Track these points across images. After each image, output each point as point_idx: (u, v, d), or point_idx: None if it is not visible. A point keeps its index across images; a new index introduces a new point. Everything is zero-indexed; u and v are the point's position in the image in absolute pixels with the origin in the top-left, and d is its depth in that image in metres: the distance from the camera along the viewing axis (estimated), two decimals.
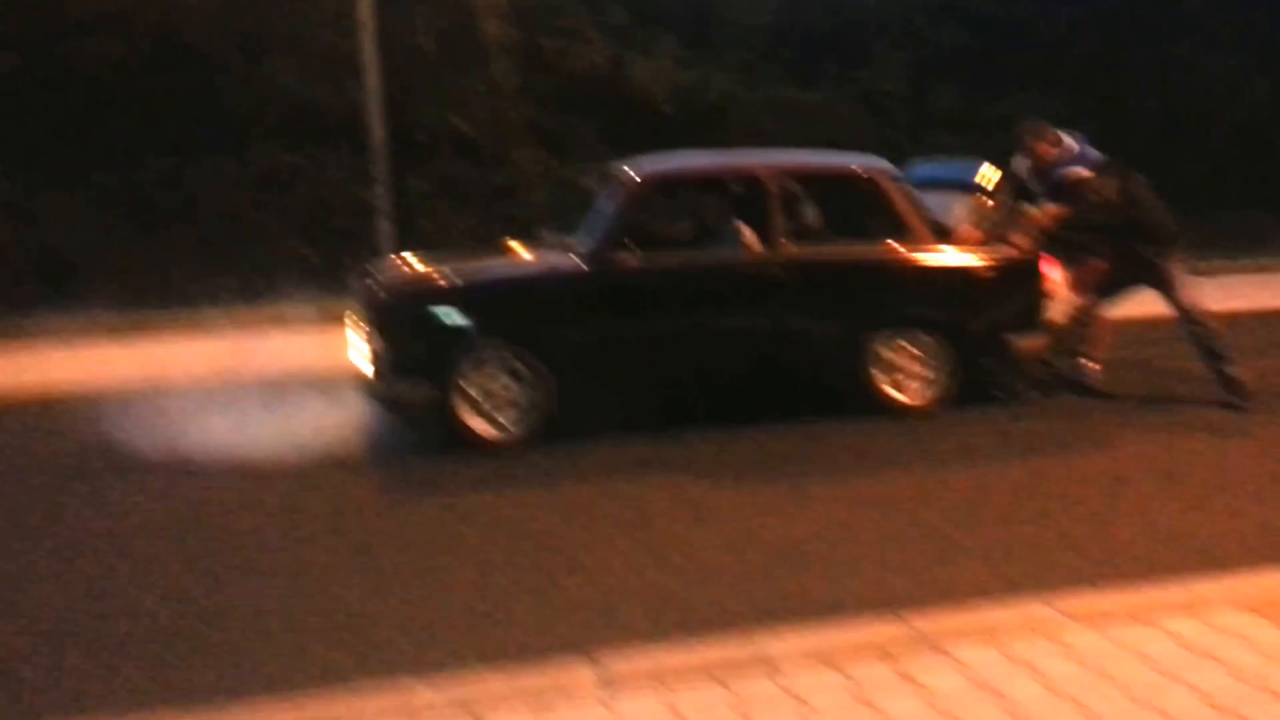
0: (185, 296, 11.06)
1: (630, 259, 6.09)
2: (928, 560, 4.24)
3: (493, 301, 6.06)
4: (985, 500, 4.96)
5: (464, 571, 4.26)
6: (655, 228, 6.60)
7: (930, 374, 6.46)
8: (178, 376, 7.64)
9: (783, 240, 6.32)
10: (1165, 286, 6.59)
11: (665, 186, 6.63)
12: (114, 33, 13.12)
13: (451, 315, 5.92)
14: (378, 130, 11.99)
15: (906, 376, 6.44)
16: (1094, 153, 6.78)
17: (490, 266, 6.44)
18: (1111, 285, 6.82)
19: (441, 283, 6.12)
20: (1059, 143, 6.71)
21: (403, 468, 5.77)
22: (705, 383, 6.36)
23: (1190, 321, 6.60)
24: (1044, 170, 6.71)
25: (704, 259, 6.43)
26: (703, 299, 6.26)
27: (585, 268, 6.07)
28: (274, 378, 7.33)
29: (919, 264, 6.46)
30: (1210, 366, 6.59)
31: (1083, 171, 6.58)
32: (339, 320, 7.13)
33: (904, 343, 6.42)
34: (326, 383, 6.96)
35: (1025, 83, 14.24)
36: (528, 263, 6.48)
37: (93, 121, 12.84)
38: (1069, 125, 7.07)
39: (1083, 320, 6.86)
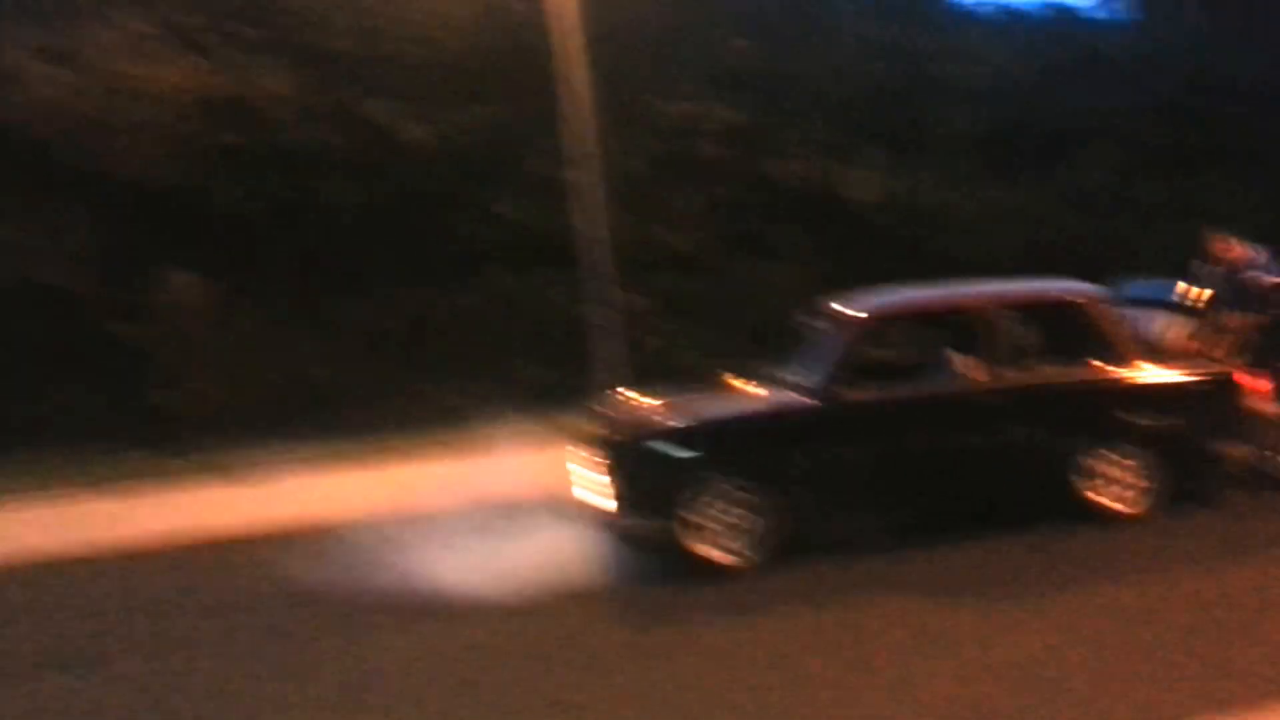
0: (419, 419, 11.71)
1: (857, 393, 6.53)
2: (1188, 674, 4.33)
3: (727, 440, 6.56)
4: (1227, 606, 5.10)
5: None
6: (878, 361, 6.98)
7: (1141, 483, 6.72)
8: (418, 502, 8.13)
9: (998, 368, 6.63)
10: None
11: (888, 321, 7.12)
12: (353, 177, 14.14)
13: (686, 453, 6.45)
14: (600, 251, 12.42)
15: (1120, 486, 6.71)
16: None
17: (720, 405, 6.95)
18: None
19: (675, 423, 6.66)
20: (1237, 248, 6.83)
21: (647, 599, 6.17)
22: (928, 502, 6.72)
23: None
24: (1232, 275, 6.88)
25: (925, 389, 6.86)
26: (925, 427, 6.69)
27: (814, 403, 6.52)
28: (503, 502, 7.78)
29: (1124, 382, 6.81)
30: None
31: (1272, 278, 6.68)
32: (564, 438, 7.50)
33: (1115, 455, 6.71)
34: (556, 506, 7.32)
35: (1227, 173, 14.06)
36: (756, 400, 6.94)
37: (335, 257, 13.80)
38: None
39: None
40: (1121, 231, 14.34)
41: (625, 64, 14.56)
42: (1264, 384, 6.81)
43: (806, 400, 6.54)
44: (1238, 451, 6.82)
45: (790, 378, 6.81)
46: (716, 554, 6.38)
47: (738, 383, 7.23)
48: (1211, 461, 6.82)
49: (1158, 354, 6.89)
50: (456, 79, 14.93)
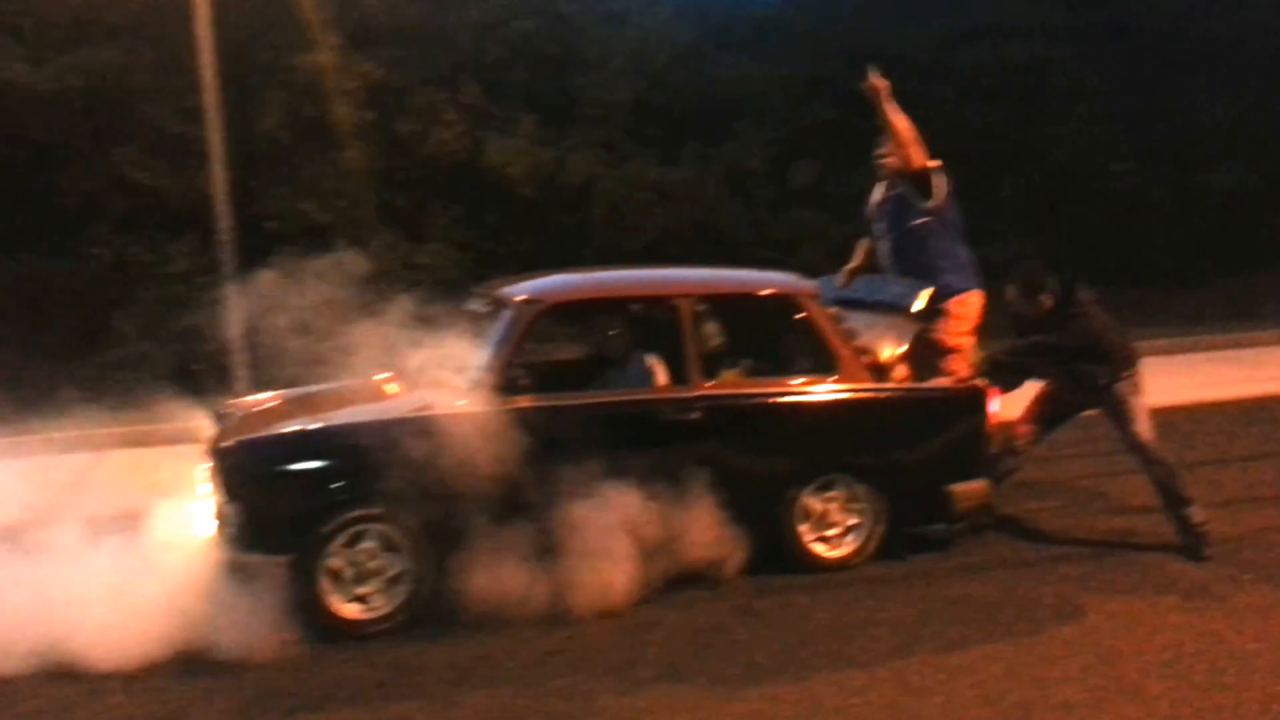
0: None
1: (517, 398, 5.08)
2: None
3: (348, 454, 4.94)
4: (953, 693, 4.14)
5: None
6: (548, 359, 5.55)
7: (856, 521, 5.56)
8: None
9: (694, 375, 5.39)
10: (1117, 415, 5.73)
11: (561, 312, 5.57)
12: None
13: (301, 467, 4.93)
14: (225, 218, 10.56)
15: (833, 526, 5.54)
16: None
17: (356, 410, 5.29)
18: (1057, 414, 6.00)
19: (289, 430, 5.07)
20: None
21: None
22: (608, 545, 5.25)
23: (1147, 460, 5.73)
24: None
25: (603, 396, 5.43)
26: (599, 444, 5.16)
27: (463, 408, 5.00)
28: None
29: (847, 399, 5.56)
30: (1171, 512, 5.72)
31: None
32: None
33: (832, 489, 5.54)
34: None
35: None
36: (393, 402, 5.35)
37: None
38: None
39: (1020, 452, 6.03)
40: (786, 218, 13.70)
41: (256, 10, 12.71)
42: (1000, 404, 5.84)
43: (454, 404, 5.02)
44: (976, 487, 5.68)
45: (444, 375, 5.21)
46: (346, 608, 4.90)
47: (382, 379, 5.56)
48: (945, 497, 5.63)
49: (879, 365, 5.72)
50: (70, 15, 12.71)
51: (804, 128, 14.52)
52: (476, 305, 5.77)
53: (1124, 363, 5.72)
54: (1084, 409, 5.94)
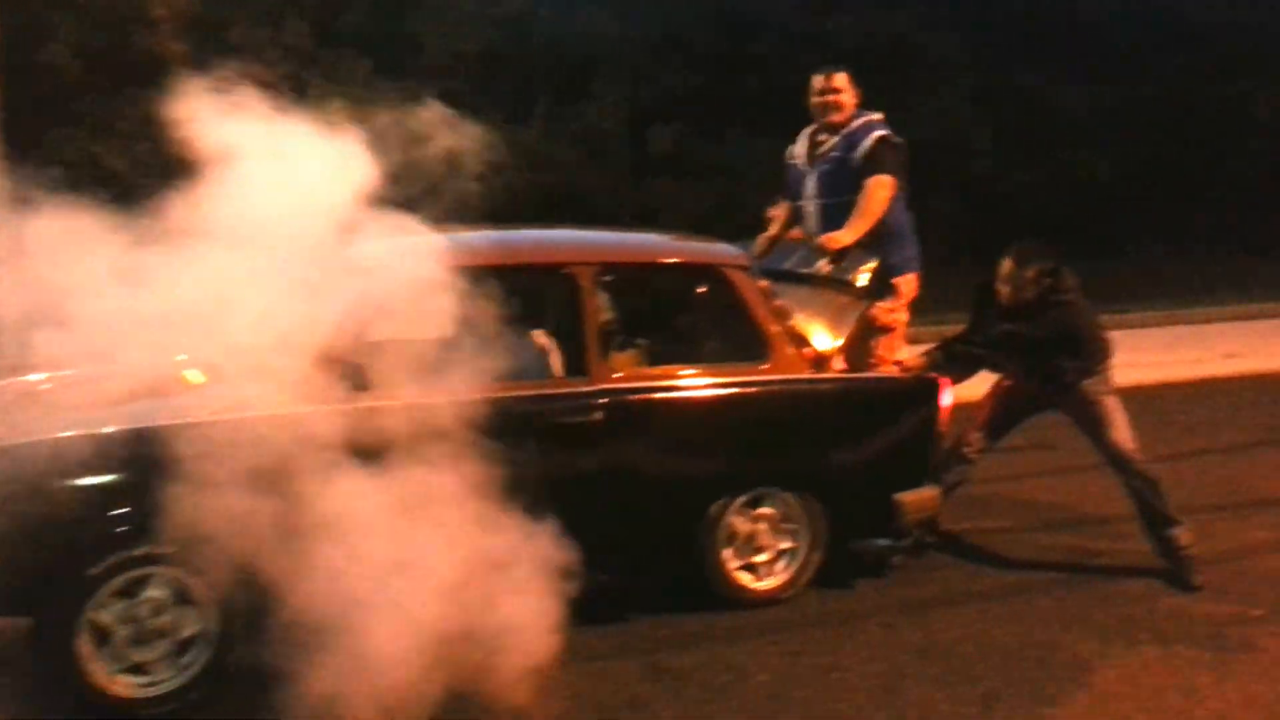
0: None
1: (370, 396, 3.63)
2: None
3: (136, 472, 3.40)
4: None
5: None
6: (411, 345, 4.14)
7: (789, 544, 4.33)
8: None
9: (599, 362, 4.04)
10: (1089, 419, 4.70)
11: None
12: None
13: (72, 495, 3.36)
14: None
15: (762, 550, 4.30)
16: None
17: (138, 408, 3.66)
18: (1013, 415, 4.90)
19: (50, 439, 3.43)
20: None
21: None
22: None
23: (1127, 473, 4.69)
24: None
25: (486, 390, 3.99)
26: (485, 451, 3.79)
27: (292, 410, 3.52)
28: None
29: (783, 392, 4.31)
30: (1152, 533, 4.70)
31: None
32: None
33: (763, 504, 4.29)
34: None
35: (755, 127, 12.60)
36: (199, 399, 3.71)
37: None
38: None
39: (969, 459, 4.89)
40: (645, 185, 12.48)
41: None
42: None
43: (277, 402, 3.52)
44: (926, 494, 4.51)
45: (265, 362, 3.70)
46: (116, 682, 3.42)
47: (180, 364, 4.00)
48: (893, 508, 4.42)
49: (818, 352, 4.45)
50: None
51: (663, 92, 13.32)
52: (314, 274, 4.27)
53: (1097, 357, 4.69)
54: (1044, 409, 4.89)
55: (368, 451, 3.46)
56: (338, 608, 3.38)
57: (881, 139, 5.00)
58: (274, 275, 3.72)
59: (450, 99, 14.43)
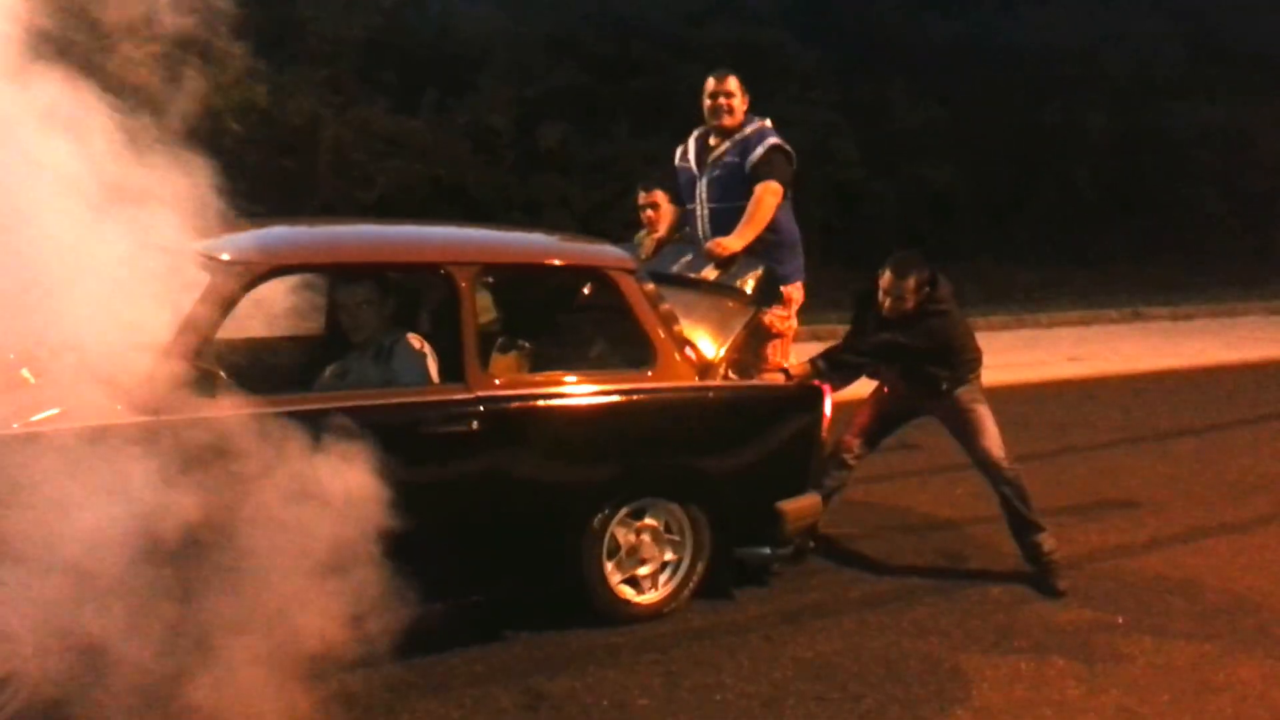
0: None
1: (216, 403, 3.17)
2: None
3: None
4: None
5: None
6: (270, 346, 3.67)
7: (671, 555, 4.04)
8: None
9: (472, 369, 3.65)
10: (962, 426, 4.56)
11: (287, 277, 3.67)
12: None
13: None
14: None
15: (643, 562, 3.99)
16: None
17: None
18: (889, 422, 4.72)
19: None
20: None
21: None
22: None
23: (997, 479, 4.53)
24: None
25: (351, 400, 3.57)
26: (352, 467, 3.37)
27: (124, 419, 3.05)
28: None
29: (666, 399, 4.00)
30: (1019, 539, 4.56)
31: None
32: None
33: (647, 514, 3.98)
34: None
35: (639, 127, 12.25)
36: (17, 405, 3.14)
37: None
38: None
39: (848, 466, 4.68)
40: (532, 181, 11.98)
41: None
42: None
43: (109, 410, 3.04)
44: (808, 502, 4.26)
45: (99, 362, 3.18)
46: None
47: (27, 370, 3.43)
48: (775, 516, 4.14)
49: (703, 359, 4.10)
50: None
51: (550, 90, 12.84)
52: (163, 263, 3.75)
53: (969, 366, 4.55)
54: (918, 415, 4.74)
55: (216, 463, 3.01)
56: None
57: (774, 147, 4.78)
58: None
59: (334, 86, 13.58)
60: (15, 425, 2.95)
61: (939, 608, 4.25)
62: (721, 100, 4.83)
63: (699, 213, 4.90)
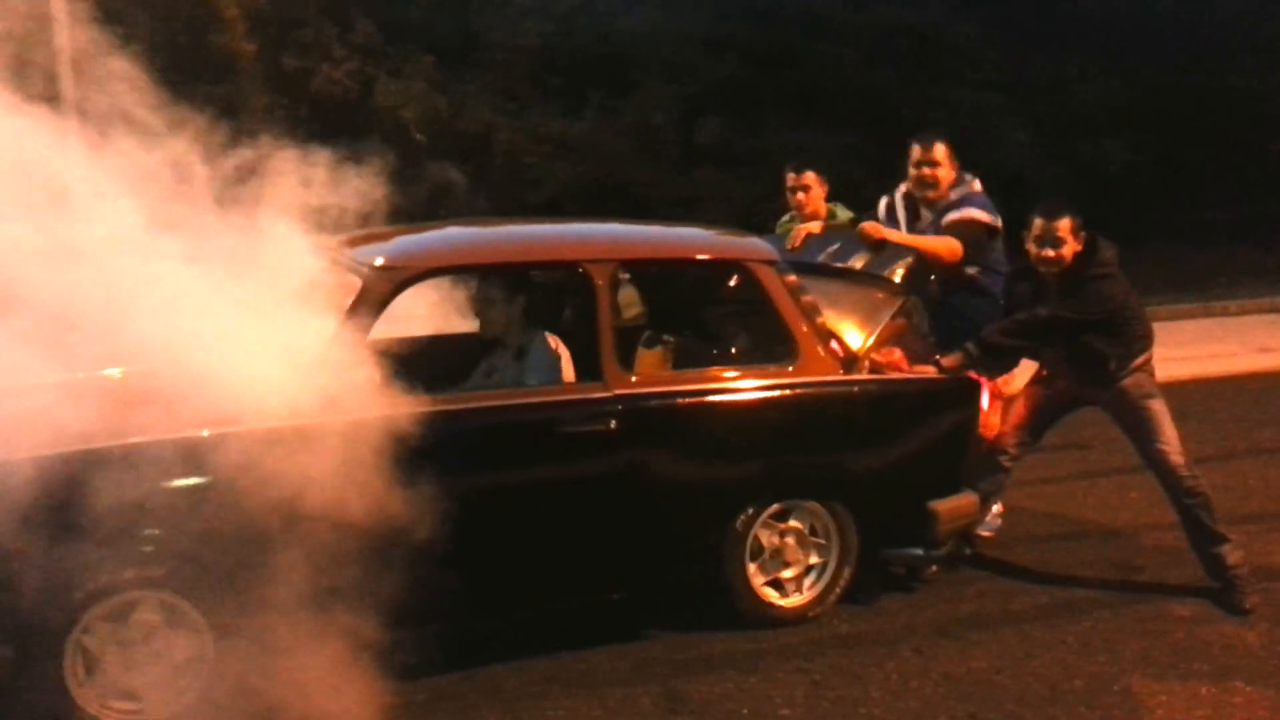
0: None
1: (373, 398, 3.09)
2: None
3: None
4: None
5: None
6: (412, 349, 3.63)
7: (817, 558, 3.78)
8: None
9: (614, 367, 3.48)
10: (1134, 423, 4.04)
11: (421, 278, 3.59)
12: None
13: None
14: None
15: (788, 565, 3.75)
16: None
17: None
18: (1050, 414, 4.23)
19: None
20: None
21: None
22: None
23: (1171, 483, 4.01)
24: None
25: (487, 399, 3.49)
26: (484, 461, 3.32)
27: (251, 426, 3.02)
28: None
29: (815, 400, 3.73)
30: (1199, 551, 4.06)
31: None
32: None
33: (792, 516, 3.74)
34: None
35: (798, 117, 11.85)
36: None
37: None
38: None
39: (1005, 467, 4.22)
40: (691, 176, 11.80)
41: None
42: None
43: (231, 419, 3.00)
44: (963, 502, 3.93)
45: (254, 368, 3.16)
46: None
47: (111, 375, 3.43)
48: (927, 517, 3.82)
49: (849, 352, 3.84)
50: None
51: (710, 85, 12.59)
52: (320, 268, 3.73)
53: (1141, 343, 3.98)
54: (1081, 405, 4.18)
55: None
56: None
57: (971, 220, 4.27)
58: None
59: (509, 93, 13.75)
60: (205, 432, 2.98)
61: (1109, 623, 3.81)
62: (926, 172, 4.31)
63: None
